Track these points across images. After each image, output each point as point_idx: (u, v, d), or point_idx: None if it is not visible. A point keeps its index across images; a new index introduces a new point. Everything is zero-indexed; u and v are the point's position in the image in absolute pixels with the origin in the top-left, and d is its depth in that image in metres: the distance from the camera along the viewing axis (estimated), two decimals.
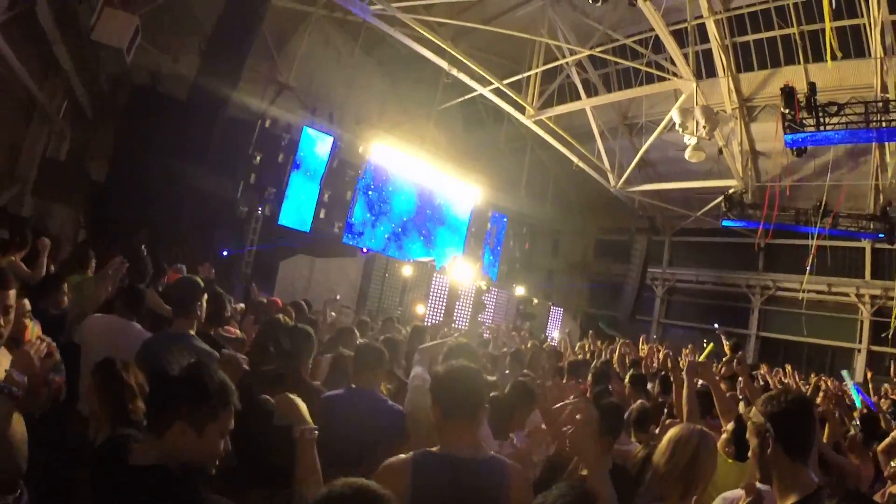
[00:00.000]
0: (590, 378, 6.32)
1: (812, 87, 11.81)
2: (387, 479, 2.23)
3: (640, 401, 5.71)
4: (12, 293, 2.57)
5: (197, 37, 14.25)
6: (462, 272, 17.51)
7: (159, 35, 14.27)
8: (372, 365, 3.76)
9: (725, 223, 16.67)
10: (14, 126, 12.53)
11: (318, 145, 18.14)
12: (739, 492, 2.41)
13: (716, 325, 14.21)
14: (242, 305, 6.82)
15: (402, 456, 2.39)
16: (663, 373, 7.02)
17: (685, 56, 13.86)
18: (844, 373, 8.04)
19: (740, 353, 8.73)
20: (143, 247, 7.19)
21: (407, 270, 16.71)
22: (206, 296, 4.02)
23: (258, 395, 3.42)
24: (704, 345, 8.99)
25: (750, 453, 2.29)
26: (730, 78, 14.25)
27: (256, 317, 6.43)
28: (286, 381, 3.60)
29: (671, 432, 2.72)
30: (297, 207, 17.88)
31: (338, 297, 10.36)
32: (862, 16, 12.53)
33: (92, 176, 15.09)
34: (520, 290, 20.37)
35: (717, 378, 6.47)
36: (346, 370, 4.33)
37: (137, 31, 11.57)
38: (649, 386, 6.36)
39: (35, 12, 9.02)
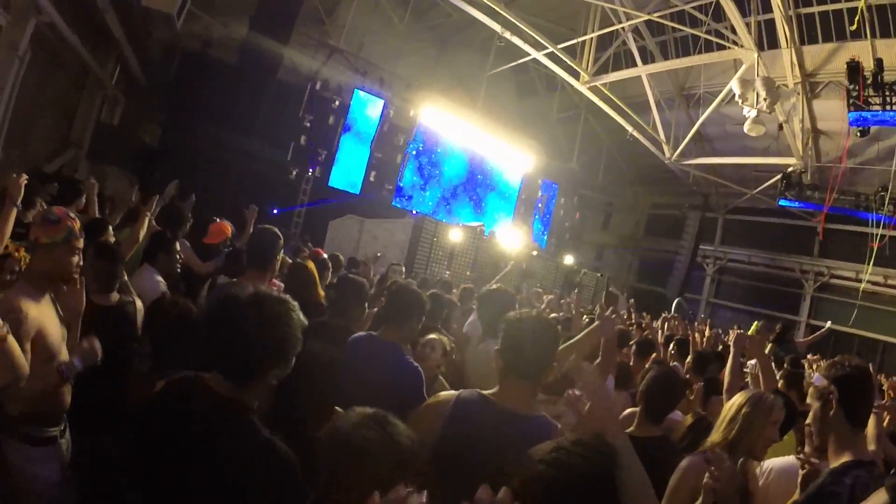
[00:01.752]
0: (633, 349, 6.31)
1: (879, 63, 11.10)
2: (429, 408, 2.33)
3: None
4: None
5: (246, 2, 14.27)
6: (511, 239, 17.44)
7: (209, 1, 14.36)
8: (404, 313, 3.25)
9: (782, 203, 16.06)
10: (68, 93, 12.95)
11: (368, 108, 18.14)
12: (789, 459, 2.61)
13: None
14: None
15: (454, 392, 2.34)
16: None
17: (747, 25, 13.16)
18: None
19: (760, 323, 8.50)
20: (174, 195, 7.33)
21: (455, 235, 16.66)
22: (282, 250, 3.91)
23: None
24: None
25: (810, 418, 2.32)
26: (793, 50, 13.44)
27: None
28: (334, 333, 3.50)
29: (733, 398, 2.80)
30: (348, 170, 17.99)
31: (378, 254, 10.43)
32: None
33: (145, 140, 15.51)
34: (569, 260, 20.16)
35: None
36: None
37: None
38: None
39: None
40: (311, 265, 4.92)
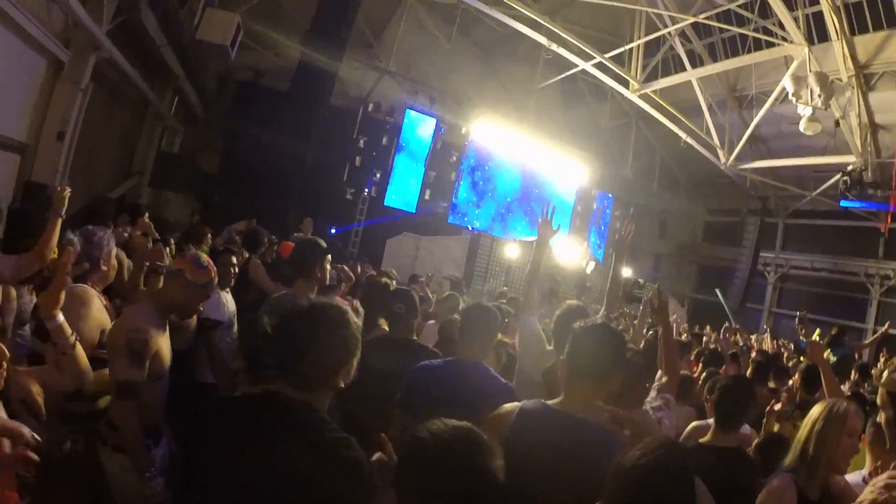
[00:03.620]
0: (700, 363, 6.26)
1: None
2: (492, 421, 2.32)
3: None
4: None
5: (296, 31, 14.83)
6: (568, 252, 17.41)
7: (260, 31, 14.97)
8: (482, 331, 3.26)
9: (844, 204, 15.37)
10: (130, 124, 13.73)
11: (420, 127, 18.51)
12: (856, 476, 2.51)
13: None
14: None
15: (518, 403, 2.36)
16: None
17: (795, 20, 12.89)
18: None
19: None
20: (253, 220, 7.79)
21: (512, 250, 16.74)
22: (328, 258, 4.03)
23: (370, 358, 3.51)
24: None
25: (885, 423, 2.31)
26: (843, 42, 13.09)
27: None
28: (402, 344, 3.63)
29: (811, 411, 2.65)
30: (403, 188, 18.35)
31: (430, 273, 10.71)
32: None
33: (204, 168, 16.25)
34: (626, 273, 19.94)
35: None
36: (454, 337, 4.01)
37: (239, 29, 12.15)
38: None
39: (140, 19, 9.75)
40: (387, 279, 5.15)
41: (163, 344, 2.90)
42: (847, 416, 2.45)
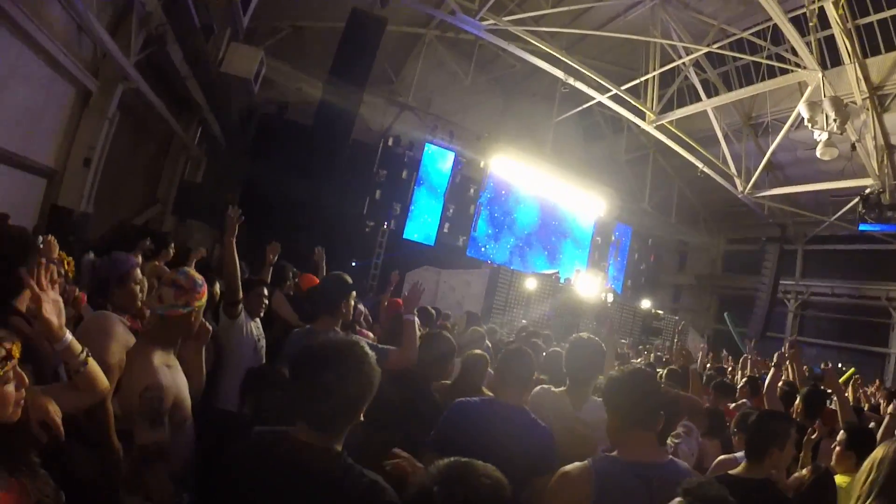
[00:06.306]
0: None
1: None
2: (565, 487, 2.24)
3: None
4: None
5: (318, 65, 15.21)
6: (586, 285, 17.47)
7: (283, 66, 15.40)
8: (522, 374, 3.21)
9: (863, 227, 15.34)
10: (155, 153, 14.12)
11: (440, 162, 18.83)
12: None
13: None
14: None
15: (579, 463, 2.27)
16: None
17: (807, 45, 13.02)
18: None
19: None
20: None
21: (531, 283, 16.85)
22: (353, 294, 4.00)
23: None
24: (842, 368, 8.53)
25: None
26: (857, 64, 13.19)
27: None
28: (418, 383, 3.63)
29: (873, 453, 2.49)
30: (422, 222, 18.63)
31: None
32: None
33: (226, 198, 16.48)
34: (645, 304, 19.93)
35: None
36: (475, 370, 4.08)
37: (262, 63, 12.50)
38: None
39: (167, 52, 10.07)
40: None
41: (181, 384, 2.71)
42: None
